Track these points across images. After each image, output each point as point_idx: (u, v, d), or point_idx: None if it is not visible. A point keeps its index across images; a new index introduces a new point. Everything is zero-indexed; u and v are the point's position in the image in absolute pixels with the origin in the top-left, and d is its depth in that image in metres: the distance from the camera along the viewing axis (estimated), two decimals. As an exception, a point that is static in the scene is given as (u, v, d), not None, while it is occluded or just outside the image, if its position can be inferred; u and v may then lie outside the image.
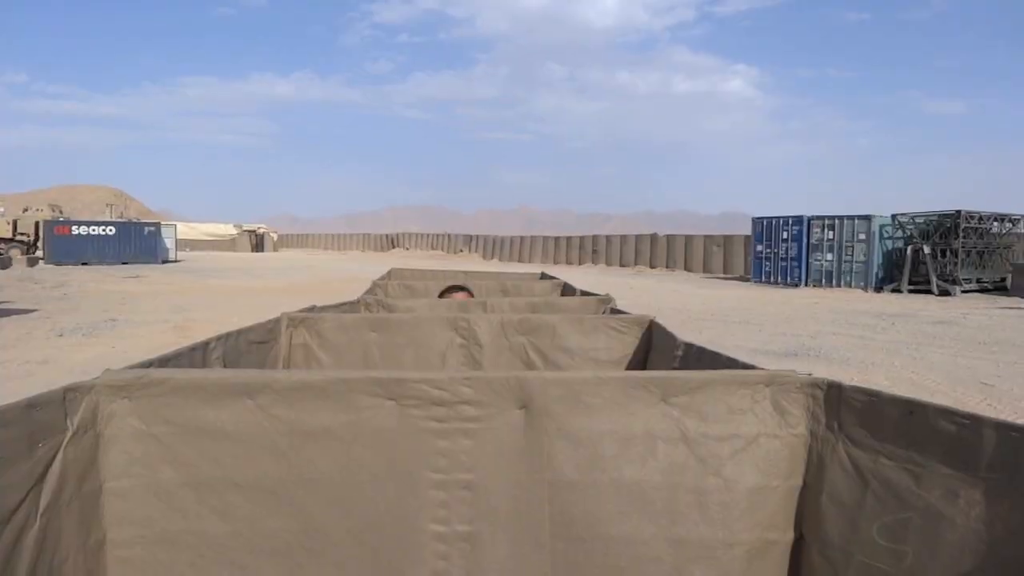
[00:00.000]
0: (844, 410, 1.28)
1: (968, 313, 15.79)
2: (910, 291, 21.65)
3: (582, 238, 43.22)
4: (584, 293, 3.80)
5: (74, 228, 35.92)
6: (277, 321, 2.47)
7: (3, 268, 28.90)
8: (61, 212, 44.31)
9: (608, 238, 41.18)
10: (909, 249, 22.09)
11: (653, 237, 37.03)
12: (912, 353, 9.95)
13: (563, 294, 4.46)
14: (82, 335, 10.78)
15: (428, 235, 61.12)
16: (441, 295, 3.89)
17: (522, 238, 49.06)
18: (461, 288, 3.94)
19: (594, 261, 40.01)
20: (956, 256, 21.37)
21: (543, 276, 5.71)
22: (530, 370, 2.51)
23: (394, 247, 60.35)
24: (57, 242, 34.84)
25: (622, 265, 37.65)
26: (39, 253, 36.63)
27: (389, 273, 5.01)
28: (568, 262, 41.70)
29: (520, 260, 45.06)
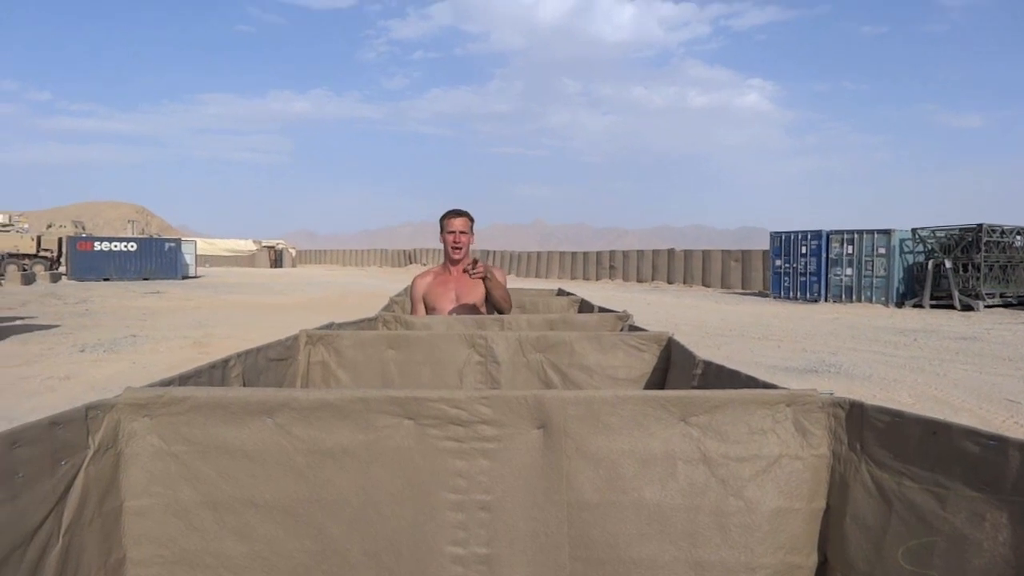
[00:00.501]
0: (867, 430, 1.25)
1: (991, 328, 15.55)
2: (932, 306, 21.36)
3: (599, 253, 43.15)
4: (602, 310, 3.79)
5: (96, 244, 36.43)
6: (295, 338, 2.48)
7: (27, 284, 29.35)
8: (84, 228, 45.01)
9: (625, 253, 41.05)
10: (930, 264, 21.81)
11: (670, 252, 36.88)
12: (935, 369, 9.80)
13: (580, 310, 4.45)
14: (103, 351, 10.89)
15: (445, 250, 61.13)
16: (442, 220, 3.85)
17: (539, 254, 49.07)
18: (461, 213, 3.84)
19: (611, 276, 39.90)
20: (978, 270, 21.07)
21: (560, 292, 5.71)
22: (548, 388, 2.49)
23: (411, 263, 60.56)
24: (79, 258, 35.36)
25: (639, 281, 37.52)
26: (62, 269, 37.22)
27: (407, 289, 5.02)
28: (585, 277, 41.61)
29: (537, 275, 45.05)
